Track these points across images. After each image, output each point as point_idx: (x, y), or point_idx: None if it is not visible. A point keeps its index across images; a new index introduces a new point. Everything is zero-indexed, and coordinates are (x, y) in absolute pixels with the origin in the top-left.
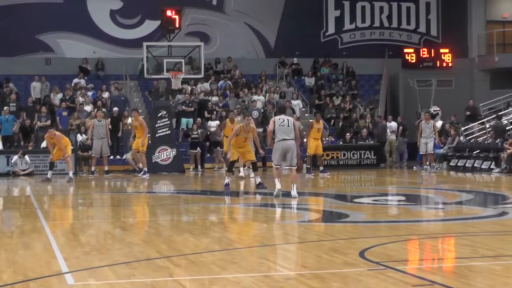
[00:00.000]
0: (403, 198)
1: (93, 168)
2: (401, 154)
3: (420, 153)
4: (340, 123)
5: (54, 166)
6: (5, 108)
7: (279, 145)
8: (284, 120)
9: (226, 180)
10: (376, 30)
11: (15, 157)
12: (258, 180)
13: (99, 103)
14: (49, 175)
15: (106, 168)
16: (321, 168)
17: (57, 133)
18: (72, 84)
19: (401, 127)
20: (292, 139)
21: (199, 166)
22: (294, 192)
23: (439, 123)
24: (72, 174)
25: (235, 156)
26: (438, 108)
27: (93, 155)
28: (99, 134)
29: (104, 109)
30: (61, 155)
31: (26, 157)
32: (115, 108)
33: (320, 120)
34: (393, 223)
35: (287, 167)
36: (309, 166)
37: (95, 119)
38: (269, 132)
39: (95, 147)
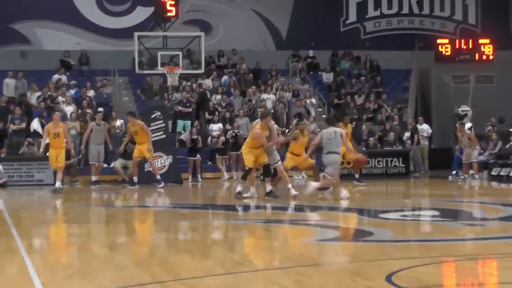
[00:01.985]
0: (436, 213)
1: (95, 178)
2: (416, 164)
3: (463, 161)
4: (363, 126)
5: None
6: None
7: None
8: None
9: (238, 188)
10: (404, 18)
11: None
12: (269, 188)
13: (84, 102)
14: (57, 185)
15: (95, 178)
16: (356, 176)
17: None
18: (53, 81)
19: (416, 135)
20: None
21: (199, 176)
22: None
23: (467, 125)
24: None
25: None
26: (467, 108)
27: (90, 162)
28: (98, 140)
29: (98, 111)
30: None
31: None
32: (100, 109)
33: (349, 124)
34: (425, 242)
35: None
36: (357, 175)
37: (93, 123)
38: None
39: (92, 153)
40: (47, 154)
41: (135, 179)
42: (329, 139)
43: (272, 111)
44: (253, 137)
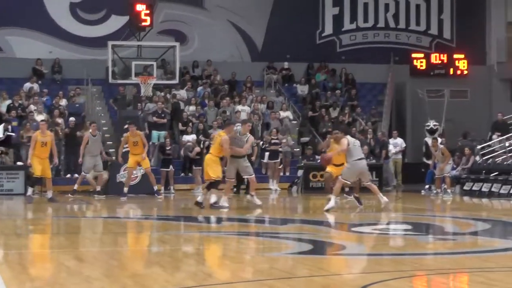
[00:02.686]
0: (409, 227)
1: (98, 188)
2: (386, 178)
3: (436, 176)
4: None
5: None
6: None
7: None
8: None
9: (213, 199)
10: (380, 31)
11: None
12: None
13: (56, 111)
14: (29, 192)
15: (76, 186)
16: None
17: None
18: (25, 89)
19: (384, 151)
20: None
21: (171, 188)
22: None
23: (438, 140)
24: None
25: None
26: (437, 123)
27: (84, 173)
28: (94, 151)
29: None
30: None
31: None
32: (72, 118)
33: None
34: (397, 256)
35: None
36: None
37: (89, 133)
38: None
39: (87, 165)
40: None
41: (126, 190)
42: (354, 146)
43: None
44: (221, 144)
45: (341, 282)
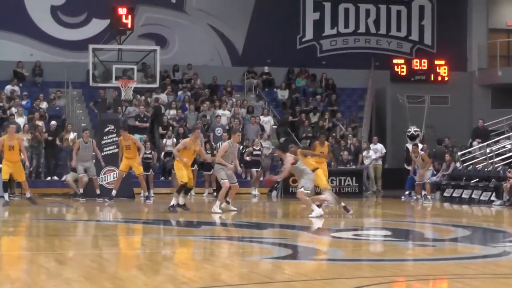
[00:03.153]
0: (389, 233)
1: (81, 190)
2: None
3: (417, 182)
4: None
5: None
6: None
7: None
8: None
9: (173, 202)
10: (361, 37)
11: None
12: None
13: (37, 114)
14: (6, 197)
15: (98, 191)
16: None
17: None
18: (6, 92)
19: (361, 155)
20: None
21: (151, 191)
22: None
23: (419, 146)
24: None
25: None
26: (418, 129)
27: (80, 175)
28: (84, 157)
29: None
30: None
31: None
32: (53, 122)
33: (326, 142)
34: (377, 262)
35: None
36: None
37: (80, 140)
38: None
39: (79, 169)
40: None
41: (114, 192)
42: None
43: (227, 127)
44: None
45: (320, 287)
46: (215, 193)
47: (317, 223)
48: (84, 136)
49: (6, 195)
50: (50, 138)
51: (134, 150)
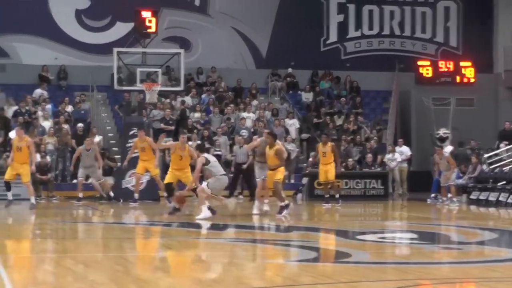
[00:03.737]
0: (414, 235)
1: (80, 195)
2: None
3: (442, 184)
4: (342, 147)
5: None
6: None
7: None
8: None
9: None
10: (385, 39)
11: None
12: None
13: (62, 118)
14: (9, 196)
15: (104, 194)
16: (326, 196)
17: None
18: (34, 96)
19: (380, 156)
20: None
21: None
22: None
23: (448, 148)
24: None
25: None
26: (448, 131)
27: (79, 178)
28: (86, 163)
29: (94, 137)
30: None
31: None
32: (80, 124)
33: (329, 143)
34: (402, 264)
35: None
36: (327, 195)
37: (83, 147)
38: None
39: (80, 171)
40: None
41: (136, 195)
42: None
43: (252, 130)
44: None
45: None
46: (240, 196)
47: (343, 225)
48: (86, 143)
49: (9, 194)
50: (73, 141)
51: (149, 152)
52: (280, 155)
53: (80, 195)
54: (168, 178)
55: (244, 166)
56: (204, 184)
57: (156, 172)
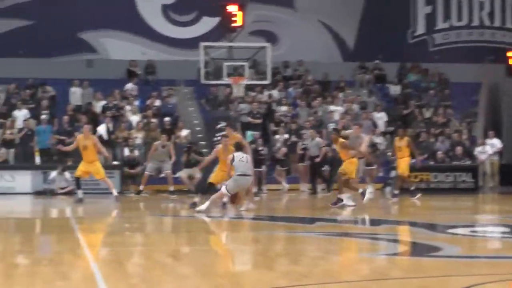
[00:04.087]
0: (507, 229)
1: (141, 187)
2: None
3: None
4: (432, 140)
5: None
6: (42, 117)
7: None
8: (243, 157)
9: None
10: (474, 30)
11: (53, 173)
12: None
13: (149, 112)
14: (80, 195)
15: (171, 188)
16: (395, 192)
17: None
18: (128, 89)
19: (458, 147)
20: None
21: (263, 188)
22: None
23: None
24: (117, 193)
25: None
26: None
27: (146, 172)
28: (159, 158)
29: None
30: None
31: (66, 173)
32: (167, 118)
33: (405, 137)
34: (494, 259)
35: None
36: (396, 192)
37: (159, 143)
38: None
39: (150, 166)
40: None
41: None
42: (241, 161)
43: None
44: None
45: (437, 284)
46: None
47: (432, 219)
48: (162, 139)
49: (80, 192)
50: (163, 135)
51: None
52: (345, 147)
53: (171, 188)
54: (214, 178)
55: (318, 160)
56: (224, 187)
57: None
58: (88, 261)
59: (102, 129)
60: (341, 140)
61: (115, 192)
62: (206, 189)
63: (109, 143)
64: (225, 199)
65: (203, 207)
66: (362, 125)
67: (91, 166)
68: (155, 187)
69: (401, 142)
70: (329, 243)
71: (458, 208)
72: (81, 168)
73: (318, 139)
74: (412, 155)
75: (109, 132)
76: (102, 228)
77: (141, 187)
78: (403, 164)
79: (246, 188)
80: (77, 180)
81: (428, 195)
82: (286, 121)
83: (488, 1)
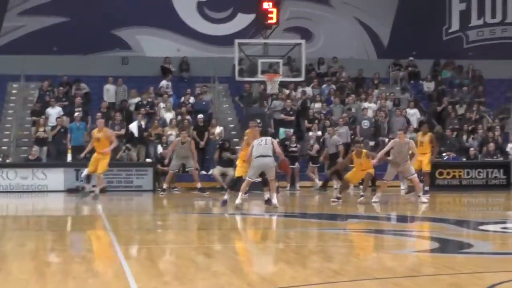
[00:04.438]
0: None
1: (165, 186)
2: None
3: None
4: (465, 136)
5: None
6: (75, 114)
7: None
8: (262, 140)
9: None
10: (508, 27)
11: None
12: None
13: (183, 109)
14: (88, 189)
15: (198, 185)
16: (426, 188)
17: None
18: (162, 86)
19: (488, 145)
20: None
21: (297, 185)
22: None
23: None
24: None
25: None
26: None
27: (170, 171)
28: (182, 153)
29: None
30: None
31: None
32: (200, 116)
33: (428, 133)
34: None
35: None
36: (426, 188)
37: (179, 139)
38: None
39: (173, 164)
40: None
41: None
42: (259, 145)
43: (373, 120)
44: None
45: (469, 281)
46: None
47: (464, 216)
48: (182, 136)
49: (88, 186)
50: (194, 132)
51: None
52: (369, 156)
53: (198, 185)
54: (238, 172)
55: (340, 159)
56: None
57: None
58: (119, 259)
59: (133, 127)
60: (365, 151)
61: (97, 190)
62: (235, 184)
63: (140, 140)
64: (226, 197)
65: (238, 201)
66: (406, 130)
67: (101, 158)
68: (186, 184)
69: (424, 138)
70: (361, 239)
71: (489, 205)
72: (94, 163)
73: (335, 136)
74: (433, 152)
75: (141, 130)
76: (133, 225)
77: (164, 186)
78: (424, 160)
79: (269, 170)
80: (88, 176)
81: (460, 191)
82: (320, 118)
83: None
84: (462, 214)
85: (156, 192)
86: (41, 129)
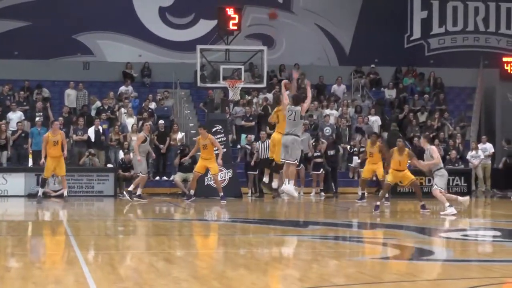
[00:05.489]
0: (498, 233)
1: (139, 191)
2: None
3: None
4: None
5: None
6: (37, 119)
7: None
8: (292, 113)
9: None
10: (469, 35)
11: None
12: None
13: (145, 114)
14: (40, 193)
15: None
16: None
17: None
18: (123, 92)
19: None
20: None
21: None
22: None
23: None
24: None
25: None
26: None
27: (141, 174)
28: (145, 151)
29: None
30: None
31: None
32: (161, 121)
33: (377, 143)
34: (486, 262)
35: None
36: (363, 192)
37: (142, 133)
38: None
39: (144, 165)
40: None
41: (192, 192)
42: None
43: (335, 127)
44: None
45: None
46: (322, 193)
47: (424, 223)
48: (146, 128)
49: (41, 191)
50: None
51: (210, 150)
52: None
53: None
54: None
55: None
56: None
57: (216, 171)
58: (80, 264)
59: (91, 132)
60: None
61: (65, 192)
62: (276, 167)
63: (97, 145)
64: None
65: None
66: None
67: (58, 161)
68: (148, 190)
69: (373, 148)
70: (323, 246)
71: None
72: (50, 166)
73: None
74: (384, 161)
75: (99, 135)
76: (95, 231)
77: (139, 191)
78: (378, 169)
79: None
80: (44, 180)
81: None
82: None
83: (483, 7)
84: (423, 222)
85: (118, 197)
86: (3, 136)
